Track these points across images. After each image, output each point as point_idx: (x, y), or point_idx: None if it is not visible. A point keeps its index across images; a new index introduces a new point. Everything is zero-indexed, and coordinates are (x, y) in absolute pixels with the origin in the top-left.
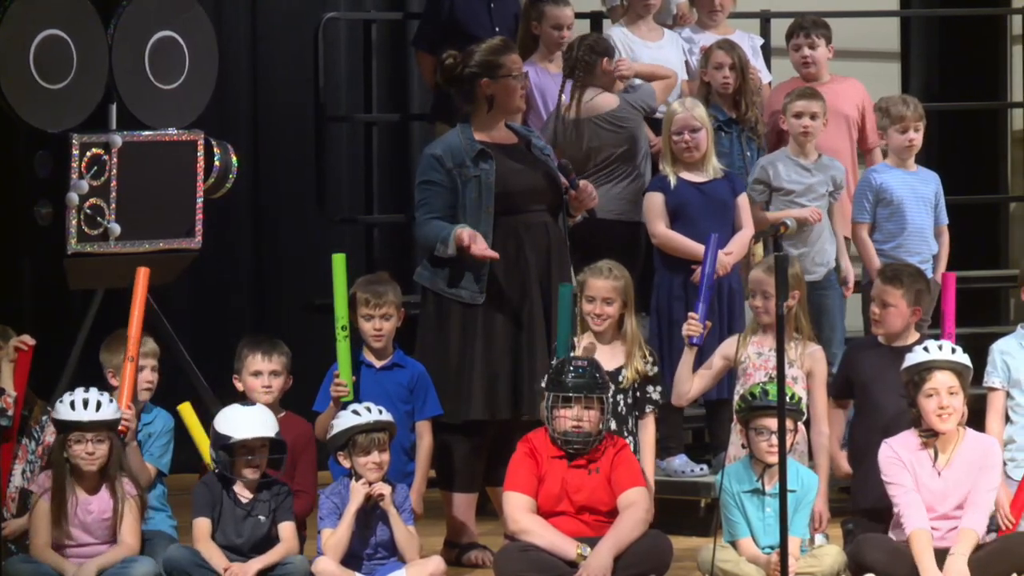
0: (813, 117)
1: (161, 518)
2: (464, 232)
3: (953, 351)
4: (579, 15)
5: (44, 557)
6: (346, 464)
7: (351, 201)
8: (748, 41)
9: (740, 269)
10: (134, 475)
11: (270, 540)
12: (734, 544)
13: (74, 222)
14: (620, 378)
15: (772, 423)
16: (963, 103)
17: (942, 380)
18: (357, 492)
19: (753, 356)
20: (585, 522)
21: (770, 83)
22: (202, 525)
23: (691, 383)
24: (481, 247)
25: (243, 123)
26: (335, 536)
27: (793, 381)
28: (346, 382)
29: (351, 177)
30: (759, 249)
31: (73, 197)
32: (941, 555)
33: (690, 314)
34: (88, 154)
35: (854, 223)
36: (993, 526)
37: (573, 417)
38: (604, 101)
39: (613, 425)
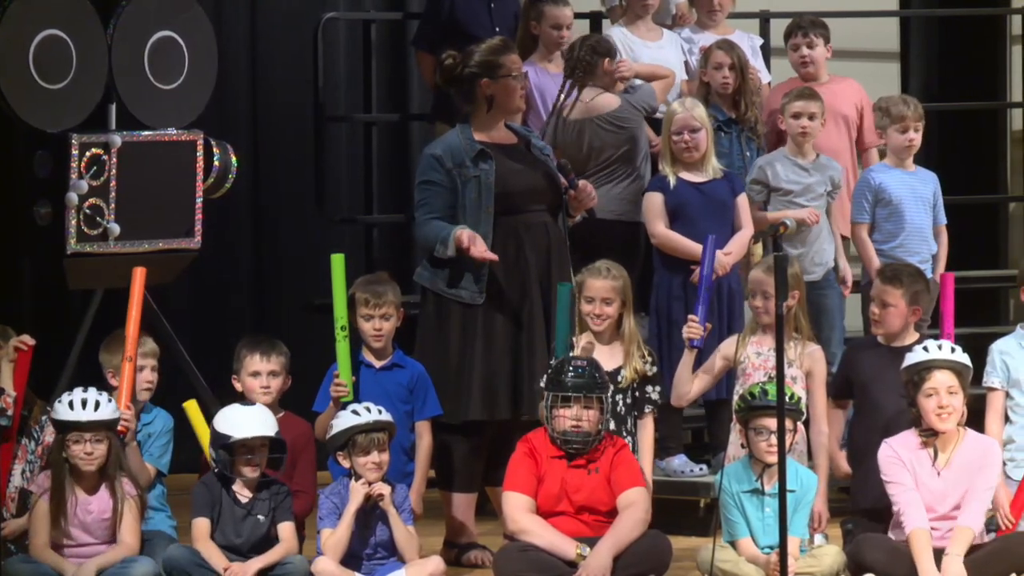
0: (811, 117)
1: (161, 518)
2: (464, 233)
3: (953, 351)
4: (579, 15)
5: (43, 557)
6: (346, 464)
7: (351, 201)
8: (747, 41)
9: (740, 269)
10: (134, 475)
11: (269, 540)
12: (733, 544)
13: (73, 222)
14: (619, 378)
15: (771, 423)
16: (963, 103)
17: (942, 380)
18: (357, 492)
19: (752, 356)
20: (584, 522)
21: (769, 83)
22: (201, 525)
23: (691, 384)
24: (480, 249)
25: (243, 123)
26: (335, 536)
27: (792, 381)
28: (346, 382)
29: (351, 177)
30: (758, 249)
31: (72, 197)
32: (940, 555)
33: (690, 316)
34: (87, 154)
35: (853, 223)
36: (993, 526)
37: (572, 417)
38: (605, 101)
39: (612, 425)
